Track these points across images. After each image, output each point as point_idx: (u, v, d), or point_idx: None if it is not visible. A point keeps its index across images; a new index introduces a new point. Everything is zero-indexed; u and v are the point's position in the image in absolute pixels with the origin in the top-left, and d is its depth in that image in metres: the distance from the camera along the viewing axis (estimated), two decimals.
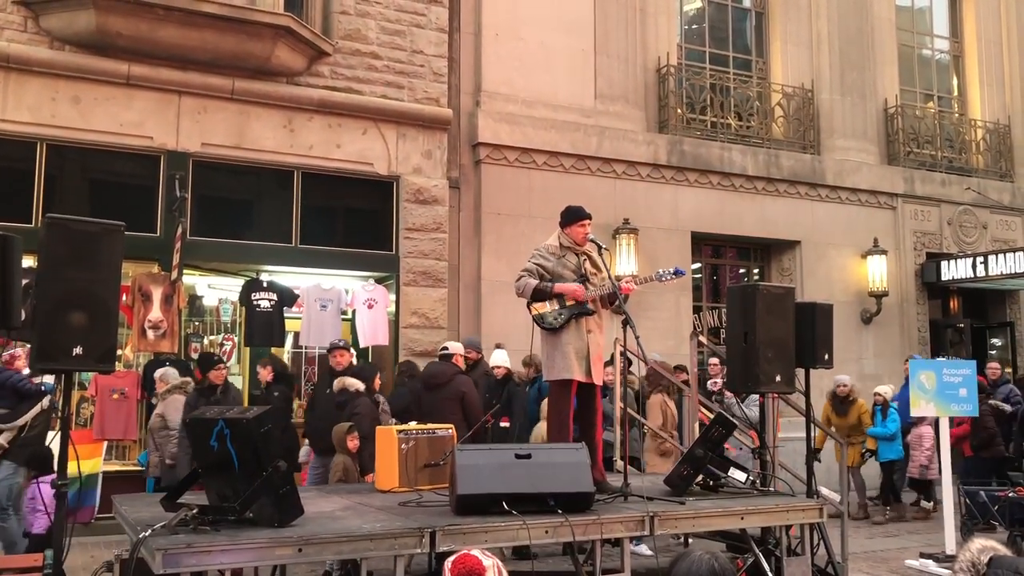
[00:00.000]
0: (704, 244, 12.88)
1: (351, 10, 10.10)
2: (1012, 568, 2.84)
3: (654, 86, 12.41)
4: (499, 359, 8.85)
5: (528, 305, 5.93)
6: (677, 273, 5.91)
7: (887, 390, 10.25)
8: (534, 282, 5.84)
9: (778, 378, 6.14)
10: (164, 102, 9.16)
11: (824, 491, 7.33)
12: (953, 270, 13.61)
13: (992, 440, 9.67)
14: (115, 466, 9.15)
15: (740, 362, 6.23)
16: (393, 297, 10.17)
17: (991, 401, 9.93)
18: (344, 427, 7.29)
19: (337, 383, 7.84)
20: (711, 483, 6.14)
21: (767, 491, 6.25)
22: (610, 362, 7.55)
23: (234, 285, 10.20)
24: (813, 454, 6.65)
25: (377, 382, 8.26)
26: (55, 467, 4.79)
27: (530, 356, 9.37)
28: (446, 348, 8.23)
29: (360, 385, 7.77)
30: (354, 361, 8.69)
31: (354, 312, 10.09)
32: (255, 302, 9.68)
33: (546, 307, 5.87)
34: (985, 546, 2.97)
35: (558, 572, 6.81)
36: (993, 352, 15.22)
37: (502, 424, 8.36)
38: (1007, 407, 10.07)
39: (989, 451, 9.70)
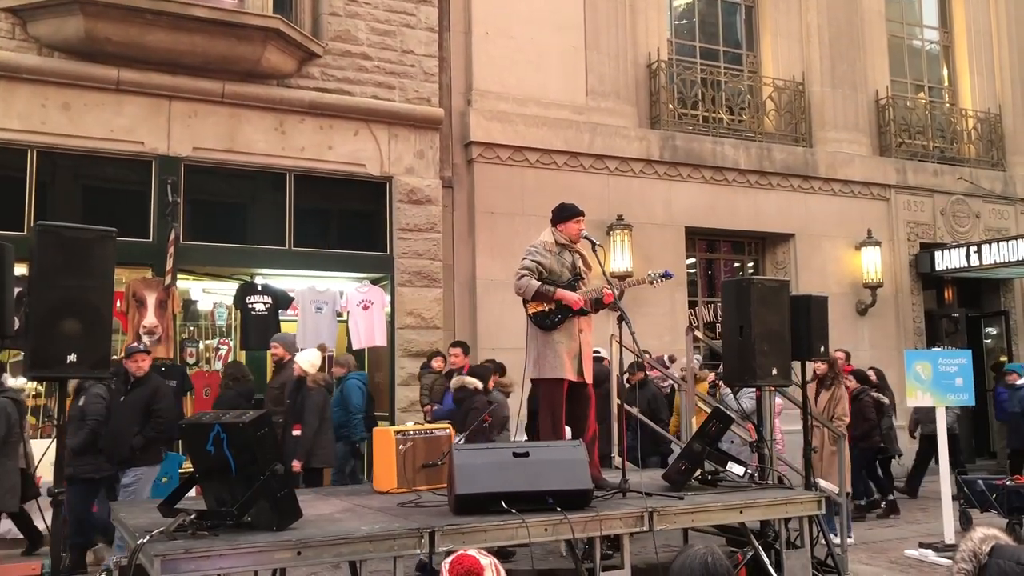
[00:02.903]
0: (698, 239, 12.89)
1: (340, 11, 10.08)
2: (1014, 557, 2.83)
3: (645, 82, 12.41)
4: (301, 359, 8.20)
5: (525, 303, 5.95)
6: (666, 276, 5.92)
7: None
8: (536, 284, 5.85)
9: (774, 371, 6.17)
10: (155, 107, 9.14)
11: (822, 483, 7.34)
12: (947, 260, 13.63)
13: (872, 431, 9.77)
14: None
15: (736, 356, 6.25)
16: (389, 298, 10.16)
17: (873, 393, 9.99)
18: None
19: (456, 381, 8.00)
20: (709, 477, 6.15)
21: (765, 484, 6.26)
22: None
23: (228, 289, 10.18)
24: (809, 446, 6.67)
25: (492, 382, 8.30)
26: None
27: (344, 356, 9.44)
28: (598, 351, 8.29)
29: (478, 384, 7.88)
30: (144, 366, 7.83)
31: (348, 314, 10.08)
32: (250, 305, 9.67)
33: (543, 306, 5.88)
34: (987, 535, 2.96)
35: (559, 570, 6.83)
36: (988, 341, 15.28)
37: (294, 432, 7.97)
38: (886, 399, 10.27)
39: (867, 442, 9.79)
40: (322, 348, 8.91)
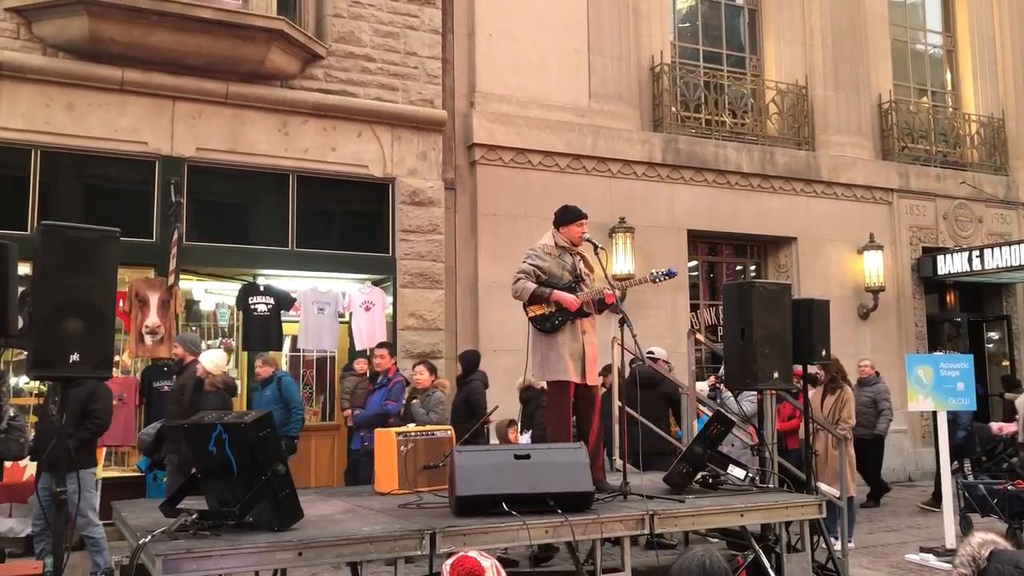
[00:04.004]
0: (700, 242, 12.89)
1: (344, 13, 10.10)
2: (1013, 562, 2.84)
3: (648, 84, 12.42)
4: (205, 359, 7.85)
5: (525, 307, 5.94)
6: (669, 274, 5.91)
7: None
8: (532, 286, 5.83)
9: (776, 375, 6.16)
10: (158, 107, 9.16)
11: (823, 487, 7.34)
12: (949, 264, 13.63)
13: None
14: (114, 472, 9.14)
15: (737, 359, 6.25)
16: (390, 299, 10.17)
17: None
18: (506, 421, 7.69)
19: (523, 381, 8.20)
20: (710, 481, 6.15)
21: (766, 488, 6.25)
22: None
23: (231, 289, 10.19)
24: (810, 449, 6.67)
25: (432, 381, 8.33)
26: None
27: (269, 356, 9.01)
28: (652, 352, 8.59)
29: (544, 384, 7.96)
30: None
31: (351, 315, 10.09)
32: (252, 306, 9.68)
33: (543, 309, 5.87)
34: (986, 540, 2.97)
35: (559, 572, 6.84)
36: (990, 346, 15.27)
37: None
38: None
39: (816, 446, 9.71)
40: (228, 348, 8.65)
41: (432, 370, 8.40)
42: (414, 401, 8.18)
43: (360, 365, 9.21)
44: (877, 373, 10.92)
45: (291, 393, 8.66)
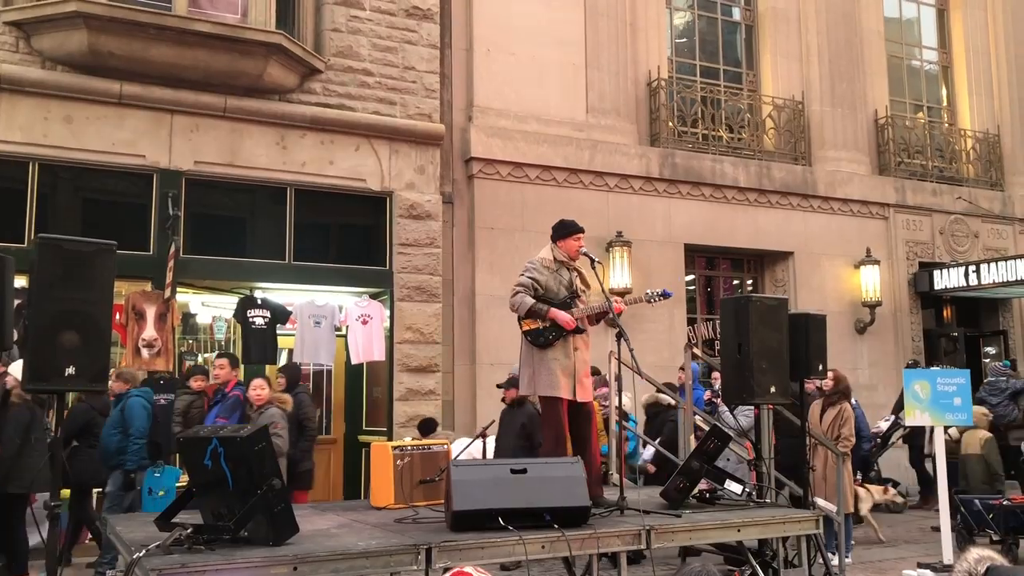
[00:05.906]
0: (697, 256, 12.91)
1: (343, 27, 10.14)
2: None
3: (645, 99, 12.47)
4: (15, 370, 6.92)
5: (519, 320, 5.94)
6: (664, 295, 5.90)
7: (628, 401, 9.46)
8: (530, 301, 5.82)
9: (773, 389, 6.16)
10: (156, 121, 9.17)
11: (820, 502, 7.33)
12: (946, 279, 13.66)
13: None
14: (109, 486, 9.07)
15: (734, 373, 6.25)
16: (388, 313, 10.16)
17: None
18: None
19: (650, 397, 8.85)
20: (707, 495, 6.14)
21: (763, 503, 6.24)
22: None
23: (228, 303, 10.18)
24: (807, 464, 6.66)
25: (266, 397, 7.66)
26: None
27: (127, 370, 8.28)
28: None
29: (671, 400, 8.34)
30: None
31: (347, 328, 10.08)
32: (250, 319, 9.66)
33: (538, 324, 5.86)
34: (982, 556, 2.96)
35: None
36: (987, 360, 15.27)
37: None
38: (795, 419, 10.08)
39: None
40: None
41: (270, 385, 7.76)
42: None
43: (197, 382, 8.16)
44: None
45: (131, 416, 7.73)
